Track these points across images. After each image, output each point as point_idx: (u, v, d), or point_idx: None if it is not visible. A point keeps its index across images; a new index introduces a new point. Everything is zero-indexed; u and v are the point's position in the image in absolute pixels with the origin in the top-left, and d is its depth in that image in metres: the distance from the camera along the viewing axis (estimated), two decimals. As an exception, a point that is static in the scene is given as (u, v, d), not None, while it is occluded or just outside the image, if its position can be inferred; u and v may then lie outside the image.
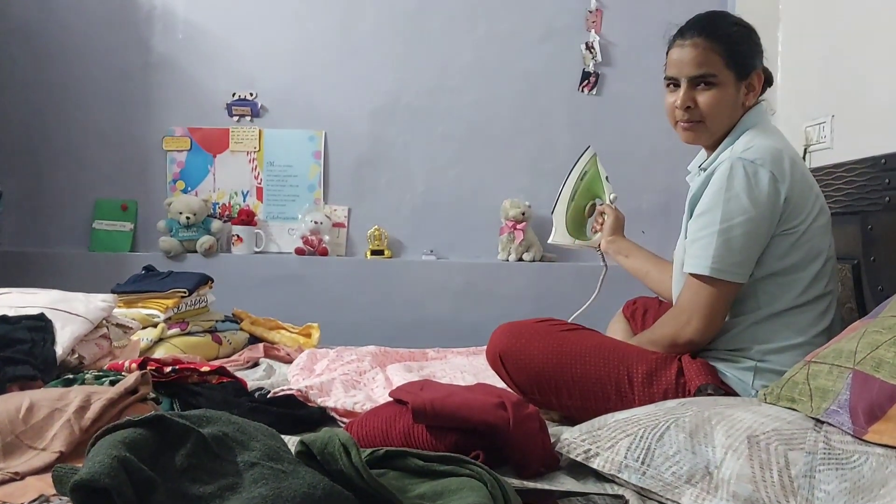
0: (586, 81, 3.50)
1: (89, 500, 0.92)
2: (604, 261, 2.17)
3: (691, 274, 1.61)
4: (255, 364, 2.35)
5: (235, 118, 3.53)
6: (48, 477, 1.27)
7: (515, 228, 3.33)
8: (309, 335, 2.68)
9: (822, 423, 1.24)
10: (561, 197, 2.16)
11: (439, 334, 3.17)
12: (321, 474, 1.04)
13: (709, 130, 1.70)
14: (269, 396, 1.79)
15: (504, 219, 3.37)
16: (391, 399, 1.59)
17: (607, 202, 2.14)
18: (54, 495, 1.18)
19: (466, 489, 1.06)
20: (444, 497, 1.05)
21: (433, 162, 3.52)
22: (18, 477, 1.27)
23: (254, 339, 2.64)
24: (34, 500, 1.16)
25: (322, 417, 1.72)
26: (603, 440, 1.35)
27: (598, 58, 3.48)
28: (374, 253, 3.45)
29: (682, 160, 3.24)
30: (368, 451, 1.13)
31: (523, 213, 3.32)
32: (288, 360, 2.40)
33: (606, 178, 2.18)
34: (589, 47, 3.48)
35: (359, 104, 3.52)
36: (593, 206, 2.17)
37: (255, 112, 3.53)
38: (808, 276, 1.60)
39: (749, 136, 1.64)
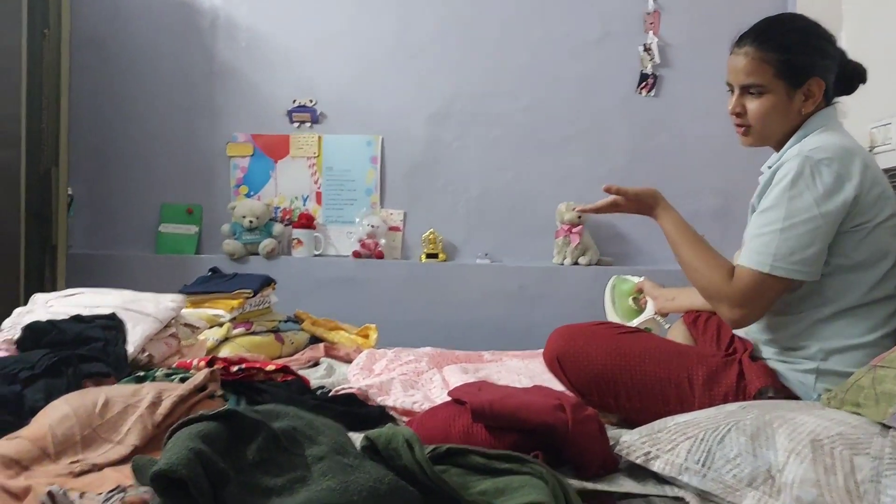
0: (644, 83, 3.48)
1: (167, 490, 0.96)
2: (663, 318, 2.20)
3: (749, 268, 1.58)
4: (316, 363, 2.40)
5: (296, 124, 3.61)
6: (124, 468, 1.34)
7: (571, 232, 3.32)
8: (367, 336, 2.72)
9: (889, 427, 1.22)
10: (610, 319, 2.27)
11: (493, 337, 3.19)
12: (385, 469, 1.07)
13: (760, 136, 1.69)
14: (330, 395, 1.84)
15: (559, 222, 3.38)
16: (450, 399, 1.62)
17: (638, 283, 2.24)
18: (130, 486, 1.23)
19: (528, 486, 1.07)
20: (506, 494, 1.07)
21: (488, 165, 3.54)
22: (97, 468, 1.33)
23: (314, 340, 2.70)
24: (112, 491, 1.21)
25: (382, 416, 1.76)
26: (663, 442, 1.35)
27: (657, 59, 3.45)
28: (428, 256, 3.49)
29: (741, 163, 3.23)
30: (430, 447, 1.16)
31: (579, 217, 3.31)
32: (347, 360, 2.44)
33: (626, 278, 2.30)
34: (647, 49, 3.46)
35: (415, 109, 3.56)
36: (635, 299, 2.25)
37: (315, 118, 3.60)
38: (875, 274, 1.57)
39: (816, 136, 1.62)
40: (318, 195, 3.63)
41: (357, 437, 1.33)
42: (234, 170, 3.66)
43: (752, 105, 1.66)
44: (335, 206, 3.62)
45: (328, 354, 2.50)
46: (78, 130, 3.57)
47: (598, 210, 1.78)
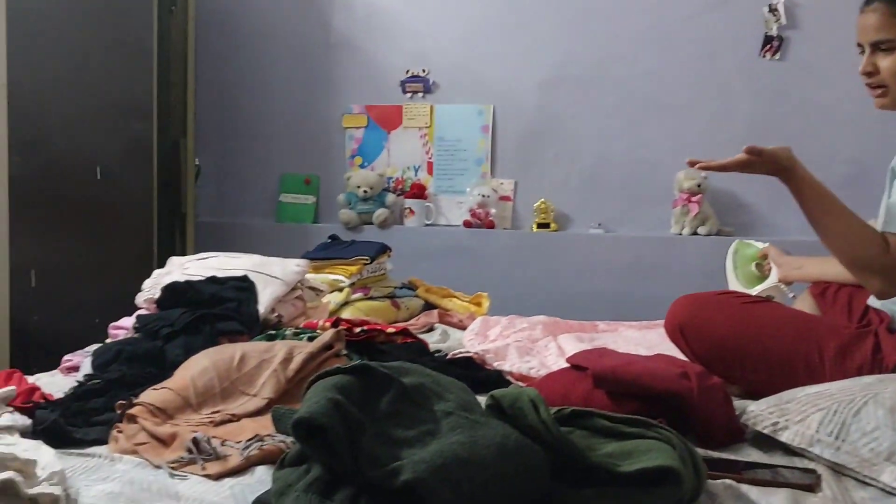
0: (769, 46, 3.32)
1: (308, 437, 1.01)
2: (788, 287, 2.11)
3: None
4: (431, 329, 2.44)
5: (409, 95, 3.66)
6: (261, 419, 1.42)
7: (690, 201, 3.23)
8: (479, 304, 2.75)
9: None
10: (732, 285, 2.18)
11: (607, 308, 3.14)
12: (511, 427, 1.08)
13: (893, 96, 1.58)
14: (448, 358, 1.87)
15: (678, 191, 3.29)
16: (568, 366, 1.62)
17: (762, 248, 2.15)
18: (267, 435, 1.30)
19: (655, 451, 1.07)
20: (633, 457, 1.07)
21: (602, 133, 3.48)
22: (235, 418, 1.42)
23: (428, 306, 2.75)
24: (250, 440, 1.29)
25: (499, 380, 1.78)
26: (792, 413, 1.31)
27: (783, 20, 3.28)
28: (540, 226, 3.47)
29: (874, 128, 3.04)
30: (555, 409, 1.16)
31: (699, 185, 3.21)
32: (461, 327, 2.47)
33: (750, 242, 2.23)
34: (772, 9, 3.29)
35: (527, 77, 3.53)
36: (759, 265, 2.16)
37: (427, 88, 3.63)
38: None
39: None
40: (430, 165, 3.67)
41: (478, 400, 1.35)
42: (349, 141, 3.75)
43: (885, 63, 1.56)
44: (446, 176, 3.65)
45: (442, 320, 2.55)
46: (204, 104, 3.74)
47: (723, 167, 1.69)
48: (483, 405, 1.18)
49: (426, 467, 0.95)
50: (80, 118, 2.86)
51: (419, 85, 3.63)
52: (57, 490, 1.02)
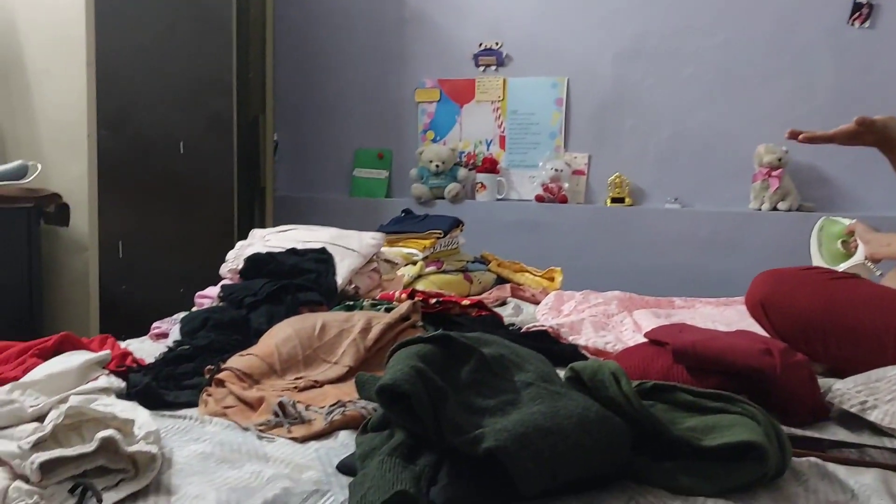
0: (857, 13, 3.17)
1: (391, 403, 1.04)
2: (875, 265, 2.03)
3: None
4: (503, 303, 2.45)
5: (481, 68, 3.64)
6: (342, 386, 1.45)
7: (770, 175, 3.14)
8: (552, 279, 2.74)
9: None
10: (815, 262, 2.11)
11: (683, 284, 3.09)
12: (591, 399, 1.08)
13: None
14: (522, 331, 1.88)
15: (757, 165, 3.19)
16: (646, 341, 1.60)
17: (849, 225, 2.06)
18: (349, 401, 1.34)
19: (740, 426, 1.05)
20: (716, 431, 1.06)
21: (679, 106, 3.40)
22: (318, 385, 1.46)
23: (500, 280, 2.75)
24: (333, 405, 1.33)
25: (574, 354, 1.77)
26: (882, 392, 1.28)
27: (874, -14, 3.14)
28: (614, 200, 3.43)
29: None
30: (636, 382, 1.16)
31: (780, 160, 3.12)
32: (533, 301, 2.48)
33: (836, 219, 2.15)
34: (863, -25, 3.15)
35: (602, 48, 3.47)
36: (844, 242, 2.08)
37: (500, 61, 3.61)
38: None
39: None
40: (502, 139, 3.66)
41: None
42: (422, 115, 3.77)
43: None
44: (518, 150, 3.64)
45: (514, 295, 2.55)
46: (281, 80, 3.80)
47: (830, 138, 1.61)
48: (562, 377, 1.18)
49: (508, 436, 0.97)
50: (164, 94, 2.95)
51: (492, 58, 3.62)
52: (154, 449, 1.07)
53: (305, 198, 3.86)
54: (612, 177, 3.43)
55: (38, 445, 1.03)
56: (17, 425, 1.15)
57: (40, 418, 1.18)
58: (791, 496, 1.05)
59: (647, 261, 3.32)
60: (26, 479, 1.01)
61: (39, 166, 2.46)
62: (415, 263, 2.48)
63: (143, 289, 2.88)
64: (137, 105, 2.85)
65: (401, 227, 2.69)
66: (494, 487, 1.00)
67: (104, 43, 2.62)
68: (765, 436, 1.04)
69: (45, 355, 1.42)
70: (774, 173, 3.12)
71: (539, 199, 3.50)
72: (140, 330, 1.99)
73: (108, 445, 1.04)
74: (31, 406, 1.19)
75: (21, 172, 2.43)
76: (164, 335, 1.90)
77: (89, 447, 1.02)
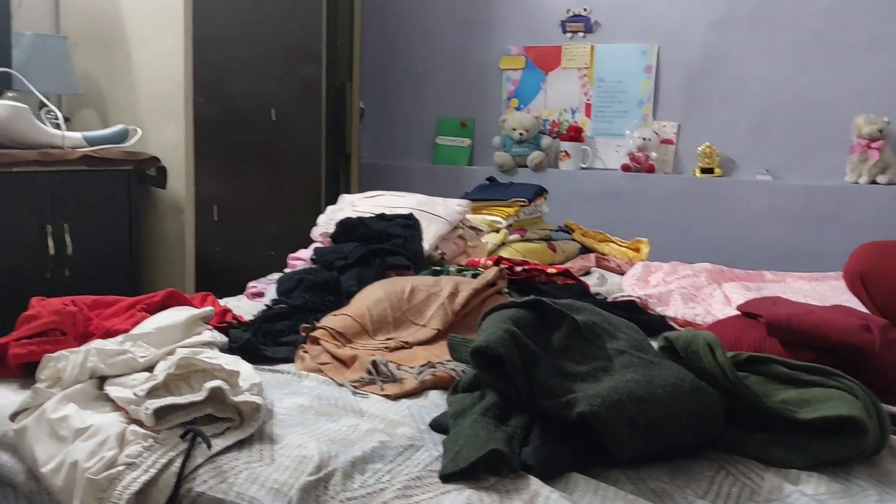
0: (975, -25, 2.98)
1: (484, 364, 1.06)
2: None
3: None
4: (587, 272, 2.44)
5: (568, 35, 3.59)
6: (431, 348, 1.49)
7: (869, 147, 3.00)
8: (637, 249, 2.72)
9: None
10: None
11: (772, 258, 3.01)
12: (685, 369, 1.08)
13: None
14: (609, 301, 1.87)
15: (856, 137, 3.06)
16: (737, 313, 1.58)
17: None
18: (438, 362, 1.37)
19: (836, 400, 1.04)
20: (812, 405, 1.04)
21: (774, 75, 3.27)
22: (408, 346, 1.49)
23: (584, 250, 2.74)
24: (423, 365, 1.36)
25: (662, 325, 1.76)
26: None
27: None
28: (703, 171, 3.35)
29: None
30: (731, 353, 1.15)
31: (880, 131, 2.98)
32: (618, 271, 2.46)
33: None
34: (983, -67, 2.95)
35: (695, 15, 3.37)
36: None
37: (588, 28, 3.55)
38: None
39: None
40: (588, 107, 3.61)
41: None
42: (506, 83, 3.74)
43: None
44: (605, 118, 3.58)
45: (599, 265, 2.54)
46: (368, 48, 3.84)
47: None
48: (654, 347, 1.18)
49: (602, 401, 0.98)
50: (256, 62, 3.02)
51: (580, 24, 3.56)
52: (258, 399, 1.12)
53: (389, 165, 3.91)
54: (702, 147, 3.34)
55: (151, 393, 1.10)
56: (130, 374, 1.22)
57: (149, 368, 1.25)
58: (888, 473, 1.03)
59: (737, 233, 3.24)
60: (141, 424, 1.08)
61: (139, 131, 2.56)
62: (498, 231, 2.49)
63: (235, 250, 2.99)
64: (231, 73, 2.93)
65: (485, 194, 2.70)
66: (585, 451, 1.01)
67: (200, 13, 2.69)
68: (863, 411, 1.02)
69: (153, 310, 1.50)
70: (874, 145, 2.98)
71: (625, 168, 3.45)
72: (231, 289, 2.07)
73: (215, 395, 1.10)
74: (142, 356, 1.26)
75: (122, 136, 2.54)
76: (260, 294, 1.98)
77: (199, 396, 1.08)
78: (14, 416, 1.13)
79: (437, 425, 1.12)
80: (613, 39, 3.52)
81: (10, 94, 2.38)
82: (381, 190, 2.67)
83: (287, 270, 2.16)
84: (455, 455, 0.98)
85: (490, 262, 1.91)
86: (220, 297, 1.97)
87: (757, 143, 3.32)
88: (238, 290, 2.09)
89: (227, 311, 1.67)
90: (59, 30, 2.82)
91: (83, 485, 0.98)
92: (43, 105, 2.48)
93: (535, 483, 0.95)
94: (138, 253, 2.59)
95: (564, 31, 3.60)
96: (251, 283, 2.07)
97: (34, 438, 1.07)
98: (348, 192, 3.53)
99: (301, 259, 2.14)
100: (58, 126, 2.41)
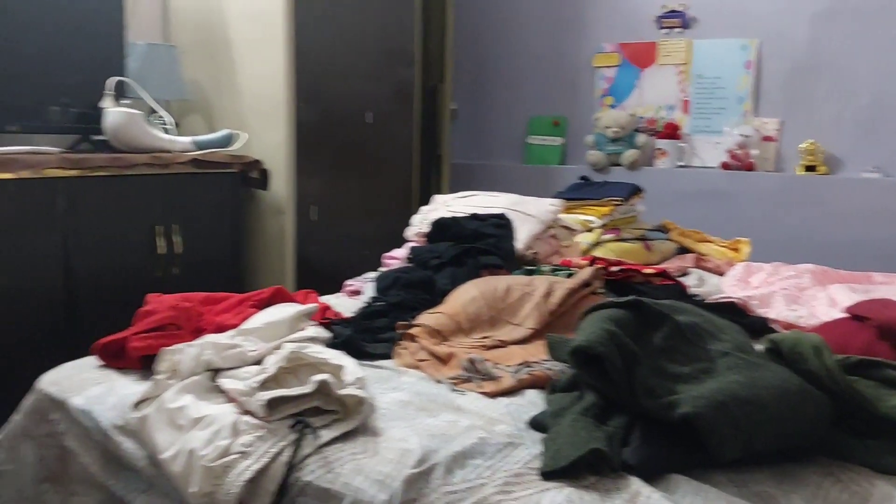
0: None
1: (584, 364, 1.07)
2: None
3: None
4: (685, 273, 2.39)
5: (664, 31, 3.53)
6: (527, 347, 1.50)
7: None
8: (737, 249, 2.64)
9: None
10: None
11: (880, 259, 2.87)
12: (790, 371, 1.06)
13: None
14: (707, 302, 1.83)
15: (976, 131, 2.89)
16: (844, 316, 1.52)
17: None
18: (535, 362, 1.38)
19: (956, 407, 0.99)
20: (929, 412, 1.00)
21: (883, 69, 3.12)
22: (503, 344, 1.51)
23: (682, 250, 2.69)
24: (520, 364, 1.37)
25: (763, 328, 1.71)
26: None
27: None
28: (806, 169, 3.23)
29: None
30: (839, 357, 1.11)
31: None
32: (717, 272, 2.40)
33: None
34: None
35: (798, 9, 3.25)
36: None
37: (685, 23, 3.48)
38: None
39: None
40: (685, 104, 3.53)
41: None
42: (600, 81, 3.71)
43: None
44: (702, 116, 3.50)
45: (697, 265, 2.48)
46: (460, 49, 3.87)
47: None
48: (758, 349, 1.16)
49: (705, 403, 0.97)
50: (354, 67, 3.10)
51: (677, 20, 3.49)
52: (362, 393, 1.16)
53: (480, 165, 3.93)
54: (805, 144, 3.22)
55: (263, 385, 1.15)
56: (241, 367, 1.28)
57: (259, 361, 1.31)
58: None
59: (842, 233, 3.10)
60: (252, 414, 1.13)
61: (244, 135, 2.67)
62: (591, 230, 2.47)
63: (331, 249, 3.07)
64: (330, 78, 3.01)
65: (578, 193, 2.68)
66: (687, 452, 1.00)
67: (301, 21, 2.78)
68: None
69: (260, 306, 1.57)
70: None
71: (724, 166, 3.36)
72: (328, 286, 2.13)
73: (322, 388, 1.14)
74: (252, 350, 1.32)
75: (228, 140, 2.65)
76: (357, 292, 2.03)
77: (307, 388, 1.13)
78: (136, 406, 1.20)
79: (536, 423, 1.13)
80: (711, 34, 3.44)
81: (124, 101, 2.52)
82: (471, 190, 2.69)
83: (382, 269, 2.21)
84: (555, 453, 0.99)
85: (584, 262, 1.90)
86: (319, 294, 2.03)
87: (864, 139, 3.18)
88: (334, 287, 2.15)
89: (327, 307, 1.73)
90: (169, 39, 2.97)
91: (200, 471, 1.04)
92: (154, 111, 2.61)
93: (635, 483, 0.95)
94: (242, 251, 2.70)
95: (660, 27, 3.53)
96: (348, 282, 2.12)
97: (154, 427, 1.14)
98: (439, 192, 3.57)
99: (396, 258, 2.19)
100: (167, 131, 2.54)
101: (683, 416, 0.96)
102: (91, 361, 1.43)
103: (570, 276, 1.79)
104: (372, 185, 3.23)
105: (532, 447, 1.06)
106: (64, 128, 2.42)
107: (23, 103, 2.27)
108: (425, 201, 2.62)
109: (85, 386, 1.32)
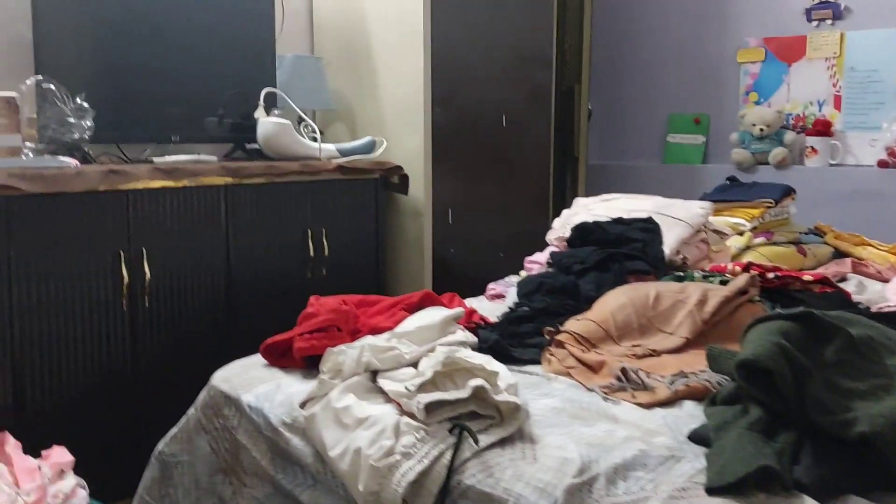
0: None
1: (751, 378, 1.03)
2: None
3: None
4: (843, 279, 2.26)
5: (814, 23, 3.34)
6: (681, 357, 1.46)
7: None
8: (900, 254, 2.47)
9: None
10: None
11: None
12: (983, 391, 0.98)
13: None
14: (873, 311, 1.73)
15: None
16: None
17: None
18: (691, 372, 1.35)
19: None
20: None
21: None
22: (656, 354, 1.48)
23: (837, 254, 2.54)
24: (675, 374, 1.34)
25: (939, 340, 1.59)
26: None
27: None
28: (979, 166, 2.98)
29: None
30: None
31: None
32: (879, 278, 2.25)
33: None
34: None
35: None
36: None
37: (837, 14, 3.28)
38: None
39: None
40: (837, 99, 3.34)
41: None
42: (744, 76, 3.56)
43: None
44: (857, 111, 3.29)
45: (856, 270, 2.34)
46: (597, 48, 3.82)
47: None
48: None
49: (885, 422, 0.92)
50: (489, 71, 3.12)
51: (827, 11, 3.30)
52: (517, 399, 1.17)
53: (616, 165, 3.86)
54: (977, 138, 2.98)
55: (420, 388, 1.19)
56: (397, 368, 1.32)
57: (413, 363, 1.35)
58: None
59: None
60: (412, 416, 1.17)
61: (385, 141, 2.75)
62: (742, 234, 2.38)
63: (468, 252, 3.11)
64: (465, 83, 3.05)
65: (727, 195, 2.59)
66: (863, 472, 0.95)
67: (439, 27, 2.83)
68: None
69: (411, 309, 1.61)
70: None
71: (882, 164, 3.15)
72: (464, 288, 2.16)
73: (478, 393, 1.16)
74: (407, 353, 1.36)
75: (370, 147, 2.74)
76: (499, 296, 2.05)
77: (464, 393, 1.15)
78: (303, 404, 1.27)
79: (697, 437, 1.11)
80: (867, 25, 3.23)
81: (275, 112, 2.66)
82: (609, 191, 2.65)
83: (523, 273, 2.22)
84: (720, 469, 0.97)
85: (738, 268, 1.84)
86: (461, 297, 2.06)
87: None
88: (470, 289, 2.17)
89: (473, 311, 1.75)
90: (314, 51, 3.10)
91: (366, 470, 1.08)
92: (301, 120, 2.74)
93: (809, 503, 0.91)
94: (382, 254, 2.78)
95: (809, 20, 3.35)
96: (490, 285, 2.14)
97: (322, 425, 1.19)
98: (575, 194, 3.54)
99: (537, 262, 2.19)
100: (315, 139, 2.65)
101: (861, 435, 0.91)
102: (257, 359, 1.52)
103: (724, 282, 1.73)
104: (507, 187, 3.24)
105: (695, 461, 1.04)
106: (220, 137, 2.58)
107: (183, 115, 2.44)
108: (560, 203, 2.61)
109: (254, 383, 1.40)
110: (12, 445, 1.50)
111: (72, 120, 2.03)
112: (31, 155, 1.94)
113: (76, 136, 2.03)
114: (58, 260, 1.83)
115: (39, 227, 1.80)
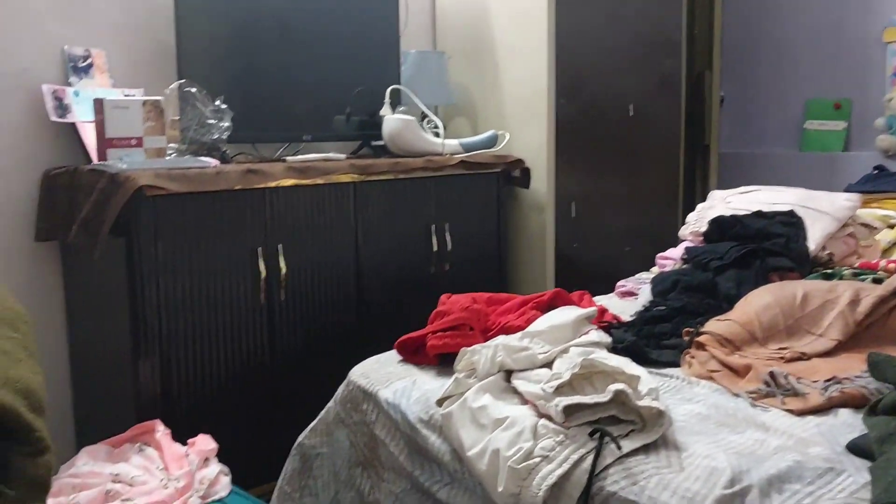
0: None
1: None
2: None
3: None
4: None
5: (976, -5, 3.08)
6: (834, 360, 1.38)
7: None
8: None
9: None
10: None
11: None
12: None
13: None
14: None
15: None
16: None
17: None
18: (846, 378, 1.26)
19: None
20: None
21: None
22: (805, 357, 1.40)
23: None
24: (828, 380, 1.26)
25: None
26: None
27: None
28: None
29: None
30: None
31: None
32: None
33: None
34: None
35: None
36: None
37: None
38: None
39: None
40: None
41: None
42: (891, 57, 3.32)
43: None
44: None
45: None
46: (728, 32, 3.66)
47: None
48: None
49: None
50: (615, 60, 3.04)
51: None
52: (660, 405, 1.13)
53: (749, 154, 3.69)
54: None
55: (557, 390, 1.17)
56: (531, 369, 1.31)
57: (547, 364, 1.33)
58: None
59: None
60: (550, 418, 1.15)
61: (507, 135, 2.73)
62: (892, 227, 2.22)
63: (592, 246, 3.04)
64: (590, 73, 2.98)
65: (874, 185, 2.43)
66: None
67: (562, 18, 2.78)
68: None
69: (542, 308, 1.59)
70: None
71: None
72: (589, 285, 2.10)
73: (618, 397, 1.13)
74: (540, 353, 1.34)
75: (492, 142, 2.73)
76: (630, 293, 1.99)
77: (604, 397, 1.13)
78: (440, 402, 1.27)
79: (857, 448, 1.04)
80: None
81: (400, 108, 2.69)
82: (741, 181, 2.53)
83: (655, 269, 2.15)
84: (889, 485, 0.90)
85: (891, 265, 1.71)
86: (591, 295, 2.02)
87: None
88: (594, 285, 2.12)
89: (605, 310, 1.71)
90: (436, 46, 3.11)
91: (506, 472, 1.08)
92: (425, 116, 2.76)
93: None
94: (505, 248, 2.77)
95: (970, -9, 3.09)
96: (620, 282, 2.09)
97: (459, 424, 1.20)
98: (706, 185, 3.41)
99: (671, 258, 2.11)
100: (437, 135, 2.67)
101: None
102: (392, 356, 1.54)
103: (877, 281, 1.62)
104: (633, 179, 3.15)
105: (857, 475, 0.97)
106: (347, 135, 2.64)
107: (313, 115, 2.51)
108: (691, 194, 2.51)
109: (390, 379, 1.42)
110: (163, 433, 1.59)
111: (211, 121, 2.12)
112: (174, 155, 2.05)
113: (215, 136, 2.12)
114: (200, 256, 1.92)
115: (183, 225, 1.89)
